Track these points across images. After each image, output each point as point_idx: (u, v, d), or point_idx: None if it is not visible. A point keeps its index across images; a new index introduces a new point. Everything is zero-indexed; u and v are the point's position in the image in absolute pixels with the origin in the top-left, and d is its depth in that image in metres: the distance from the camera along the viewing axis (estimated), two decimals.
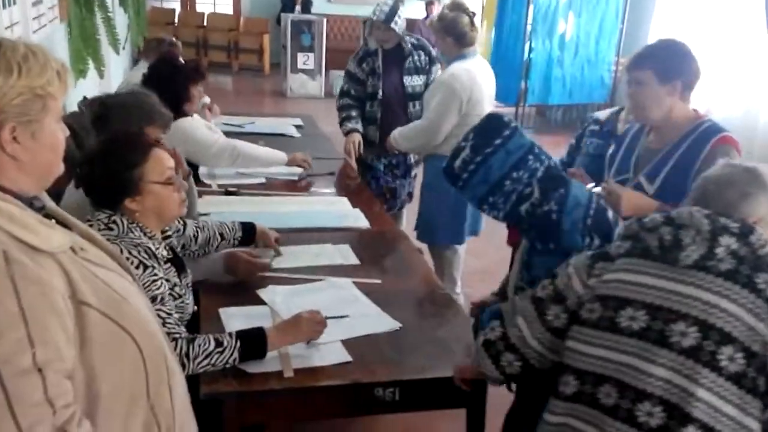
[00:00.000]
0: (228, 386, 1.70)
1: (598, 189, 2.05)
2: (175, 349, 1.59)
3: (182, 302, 1.81)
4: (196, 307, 1.94)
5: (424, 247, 3.42)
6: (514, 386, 1.88)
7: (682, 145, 2.08)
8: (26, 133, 1.04)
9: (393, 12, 3.48)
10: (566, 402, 1.47)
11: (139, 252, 1.66)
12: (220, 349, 1.66)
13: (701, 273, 1.35)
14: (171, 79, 2.99)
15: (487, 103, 3.23)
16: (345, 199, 3.13)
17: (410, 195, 3.86)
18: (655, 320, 1.35)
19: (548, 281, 1.56)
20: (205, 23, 11.61)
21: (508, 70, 8.08)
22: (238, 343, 1.69)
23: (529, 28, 8.04)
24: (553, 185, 1.69)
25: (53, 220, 1.12)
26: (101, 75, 4.10)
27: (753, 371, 1.30)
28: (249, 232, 2.36)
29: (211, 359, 1.65)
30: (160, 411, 1.15)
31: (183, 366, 1.58)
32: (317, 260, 2.44)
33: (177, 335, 1.63)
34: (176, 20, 11.68)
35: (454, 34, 3.18)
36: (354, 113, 3.67)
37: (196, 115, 3.23)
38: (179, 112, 3.01)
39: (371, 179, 3.70)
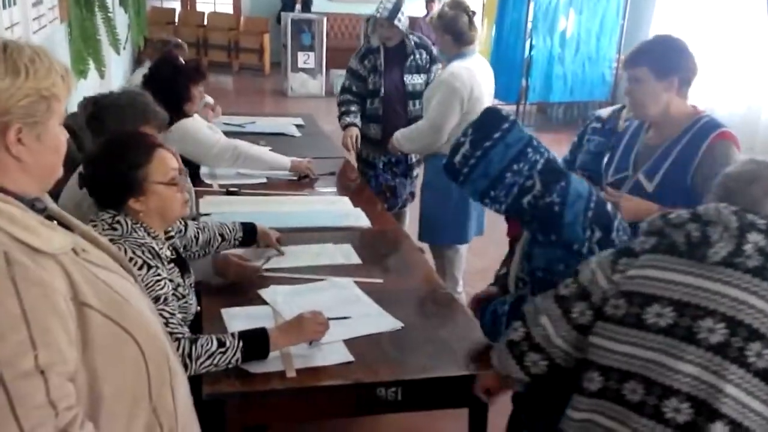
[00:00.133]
0: (230, 386, 1.70)
1: None
2: (178, 349, 1.59)
3: (185, 302, 1.82)
4: (199, 308, 1.94)
5: (425, 246, 3.42)
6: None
7: (681, 141, 2.08)
8: (31, 134, 1.05)
9: (396, 9, 3.48)
10: (591, 398, 1.46)
11: (143, 252, 1.66)
12: (222, 350, 1.66)
13: (729, 269, 1.34)
14: (172, 80, 3.00)
15: (487, 102, 3.22)
16: (346, 199, 3.13)
17: (412, 194, 3.85)
18: (683, 317, 1.34)
19: (570, 280, 1.55)
20: (205, 23, 11.62)
21: (509, 67, 8.08)
22: (241, 344, 1.69)
23: (529, 25, 8.03)
24: (554, 177, 1.70)
25: (55, 222, 1.12)
26: (102, 75, 4.09)
27: None
28: (250, 233, 2.36)
29: (214, 359, 1.65)
30: (163, 412, 1.15)
31: (185, 366, 1.58)
32: (318, 260, 2.44)
33: (180, 335, 1.63)
34: (176, 20, 11.69)
35: (452, 33, 3.17)
36: (353, 108, 3.68)
37: (196, 115, 3.23)
38: (180, 113, 3.01)
39: (371, 177, 3.69)
